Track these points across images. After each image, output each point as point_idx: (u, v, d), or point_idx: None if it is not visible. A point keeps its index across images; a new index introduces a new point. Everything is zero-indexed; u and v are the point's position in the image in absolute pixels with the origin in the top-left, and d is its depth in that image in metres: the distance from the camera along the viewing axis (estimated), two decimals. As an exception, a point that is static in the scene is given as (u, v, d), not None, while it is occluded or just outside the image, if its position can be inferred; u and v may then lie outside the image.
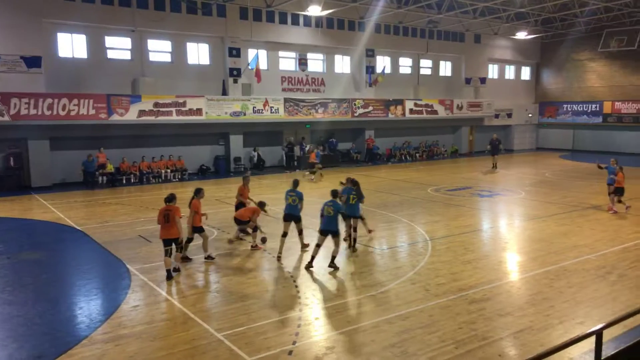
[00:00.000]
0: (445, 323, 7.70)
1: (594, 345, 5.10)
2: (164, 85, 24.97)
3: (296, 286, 9.40)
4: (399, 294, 8.96)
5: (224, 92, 26.68)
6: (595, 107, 37.50)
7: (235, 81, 26.95)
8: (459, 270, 10.23)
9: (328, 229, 10.28)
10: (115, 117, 22.60)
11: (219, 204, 17.90)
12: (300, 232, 11.60)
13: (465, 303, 8.49)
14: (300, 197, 11.32)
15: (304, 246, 11.69)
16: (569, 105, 39.23)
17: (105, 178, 22.70)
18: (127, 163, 23.60)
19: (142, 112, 23.14)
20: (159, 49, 25.65)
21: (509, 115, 39.37)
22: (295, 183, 11.67)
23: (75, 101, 21.64)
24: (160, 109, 23.63)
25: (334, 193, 10.85)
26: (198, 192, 11.12)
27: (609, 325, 5.36)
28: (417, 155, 34.03)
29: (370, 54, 31.96)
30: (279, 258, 11.09)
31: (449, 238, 12.91)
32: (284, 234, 11.29)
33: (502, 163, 28.68)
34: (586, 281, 9.56)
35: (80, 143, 22.36)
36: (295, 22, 28.72)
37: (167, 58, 25.88)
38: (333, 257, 10.31)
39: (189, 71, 26.26)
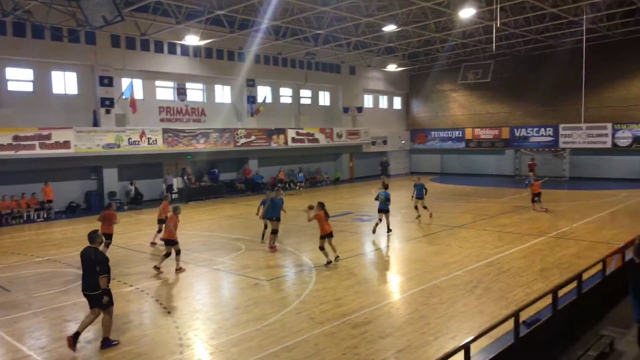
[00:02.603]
0: (330, 350, 7.77)
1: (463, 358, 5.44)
2: (25, 116, 22.88)
3: (177, 327, 8.94)
4: (285, 324, 8.90)
5: (96, 124, 25.12)
6: (459, 133, 41.14)
7: (108, 111, 25.54)
8: (342, 296, 10.44)
9: (383, 209, 16.56)
10: (-34, 153, 20.22)
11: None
12: (273, 232, 15.05)
13: (349, 328, 8.66)
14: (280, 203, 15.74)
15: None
16: (436, 132, 42.64)
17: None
18: (-19, 203, 21.10)
19: (-2, 147, 20.96)
20: (19, 78, 23.54)
21: (385, 142, 41.73)
22: (277, 192, 16.30)
23: None
24: (21, 143, 21.54)
25: (386, 186, 17.36)
26: (176, 209, 12.89)
27: (475, 338, 5.76)
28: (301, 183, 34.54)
29: (251, 83, 32.20)
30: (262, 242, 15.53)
31: (333, 264, 13.17)
32: (266, 227, 15.71)
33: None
34: (456, 296, 10.25)
35: None
36: (172, 51, 28.09)
37: (28, 87, 23.80)
38: (388, 224, 16.84)
39: (55, 101, 24.38)
